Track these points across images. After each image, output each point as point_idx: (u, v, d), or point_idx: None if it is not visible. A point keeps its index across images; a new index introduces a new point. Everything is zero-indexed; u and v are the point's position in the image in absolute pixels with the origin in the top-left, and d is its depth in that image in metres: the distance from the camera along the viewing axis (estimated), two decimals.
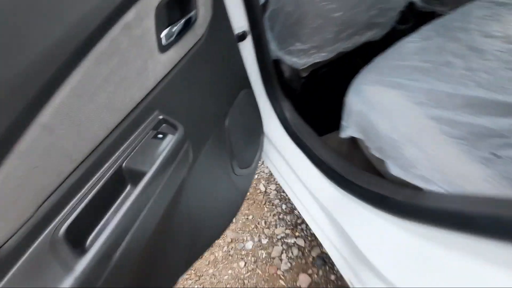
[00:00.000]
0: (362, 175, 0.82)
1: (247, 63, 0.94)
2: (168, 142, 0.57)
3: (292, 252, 1.42)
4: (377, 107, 0.74)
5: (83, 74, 0.43)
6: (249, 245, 1.49)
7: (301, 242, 1.45)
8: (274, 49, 1.12)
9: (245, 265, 1.44)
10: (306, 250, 1.42)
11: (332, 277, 1.33)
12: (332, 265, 1.35)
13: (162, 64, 0.59)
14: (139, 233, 0.51)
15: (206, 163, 0.82)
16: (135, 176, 0.52)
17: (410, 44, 0.90)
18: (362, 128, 0.78)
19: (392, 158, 0.70)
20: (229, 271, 1.43)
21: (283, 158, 1.18)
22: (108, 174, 0.50)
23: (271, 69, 1.03)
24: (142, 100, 0.56)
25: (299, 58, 1.06)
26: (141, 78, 0.55)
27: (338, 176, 0.91)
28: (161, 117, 0.60)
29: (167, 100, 0.63)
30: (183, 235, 0.76)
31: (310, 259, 1.39)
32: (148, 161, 0.53)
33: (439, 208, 0.60)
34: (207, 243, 0.96)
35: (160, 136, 0.58)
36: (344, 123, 0.90)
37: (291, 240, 1.46)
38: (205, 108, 0.79)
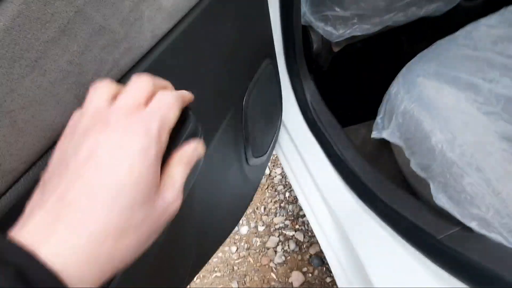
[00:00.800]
0: (393, 191, 0.65)
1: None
2: None
3: (288, 246, 1.30)
4: (435, 111, 0.54)
5: (16, 13, 0.24)
6: (244, 230, 1.37)
7: (300, 236, 1.32)
8: (305, 13, 0.90)
9: (236, 250, 1.33)
10: (304, 246, 1.30)
11: (328, 279, 1.22)
12: (329, 267, 1.23)
13: (164, 11, 0.38)
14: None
15: (217, 155, 0.62)
16: None
17: (487, 29, 0.67)
18: (406, 134, 0.60)
19: (442, 183, 0.52)
20: (219, 254, 1.33)
21: (295, 147, 1.01)
22: None
23: (298, 37, 0.82)
24: (130, 69, 0.36)
25: (335, 28, 0.85)
26: (129, 30, 0.34)
27: (359, 184, 0.74)
28: None
29: (169, 70, 0.42)
30: (185, 248, 0.59)
31: (307, 256, 1.27)
32: None
33: (493, 271, 0.44)
34: (214, 247, 0.80)
35: None
36: (379, 120, 0.71)
37: (289, 233, 1.33)
38: (221, 82, 0.58)
